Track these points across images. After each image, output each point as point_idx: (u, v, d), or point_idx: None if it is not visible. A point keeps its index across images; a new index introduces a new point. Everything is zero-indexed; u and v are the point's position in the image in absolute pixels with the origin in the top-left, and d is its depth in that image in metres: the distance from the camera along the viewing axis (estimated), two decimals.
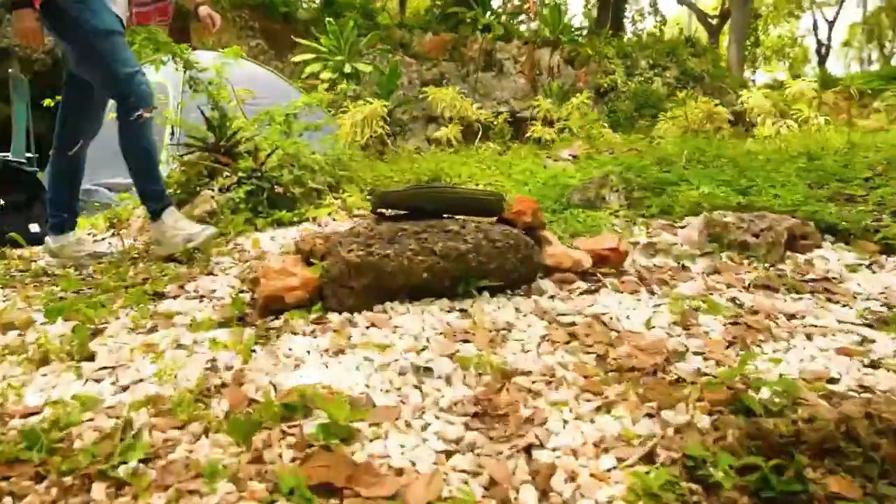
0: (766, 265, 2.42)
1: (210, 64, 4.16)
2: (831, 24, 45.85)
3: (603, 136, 5.59)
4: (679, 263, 2.46)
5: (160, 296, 2.41)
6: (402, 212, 2.43)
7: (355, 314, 2.07)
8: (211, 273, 2.74)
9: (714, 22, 26.42)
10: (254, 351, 1.79)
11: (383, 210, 2.42)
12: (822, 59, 36.35)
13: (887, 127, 7.36)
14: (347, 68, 9.86)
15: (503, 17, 15.59)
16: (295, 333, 1.93)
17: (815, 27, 35.66)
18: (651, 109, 12.31)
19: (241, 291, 2.44)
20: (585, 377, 1.55)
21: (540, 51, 14.74)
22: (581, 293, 2.19)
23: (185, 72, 4.05)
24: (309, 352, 1.77)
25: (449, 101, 6.63)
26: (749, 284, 2.22)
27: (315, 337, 1.90)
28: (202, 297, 2.38)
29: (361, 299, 2.11)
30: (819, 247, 2.57)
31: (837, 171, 3.41)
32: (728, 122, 5.91)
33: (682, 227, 2.80)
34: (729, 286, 2.21)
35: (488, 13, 14.56)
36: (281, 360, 1.72)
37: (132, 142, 2.88)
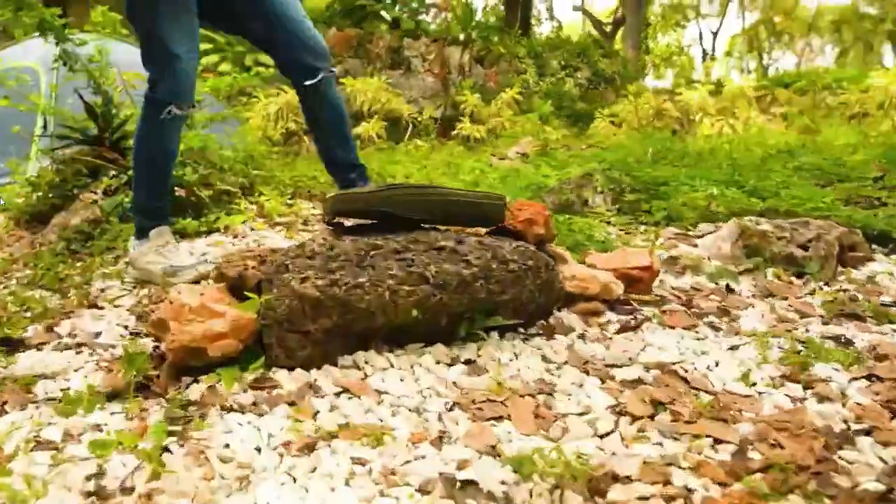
0: (822, 284, 1.95)
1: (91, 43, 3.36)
2: (715, 34, 48.35)
3: (546, 132, 5.12)
4: (717, 284, 1.94)
5: (16, 345, 1.67)
6: (363, 221, 1.79)
7: (314, 372, 1.43)
8: (94, 306, 2.00)
9: (608, 29, 26.94)
10: (167, 451, 1.11)
11: (340, 219, 1.77)
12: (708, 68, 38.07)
13: (785, 129, 7.26)
14: (248, 60, 8.98)
15: (406, 13, 15.02)
16: (228, 409, 1.26)
17: (701, 37, 37.25)
18: (565, 110, 12.07)
19: (139, 334, 1.73)
20: (722, 484, 0.98)
21: (449, 48, 14.28)
22: (619, 330, 1.63)
23: (56, 44, 3.22)
24: (259, 449, 1.11)
25: (373, 94, 5.96)
26: (823, 312, 1.73)
27: (261, 415, 1.24)
28: (80, 345, 1.66)
29: (321, 349, 1.46)
30: (871, 259, 2.13)
31: (835, 171, 3.04)
32: (678, 119, 5.60)
33: (700, 237, 2.30)
34: (803, 315, 1.71)
35: (397, 7, 13.94)
36: (216, 471, 1.05)
37: (147, 138, 2.10)
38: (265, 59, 9.60)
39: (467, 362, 1.45)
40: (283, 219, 3.30)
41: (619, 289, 1.74)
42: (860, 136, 4.68)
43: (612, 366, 1.44)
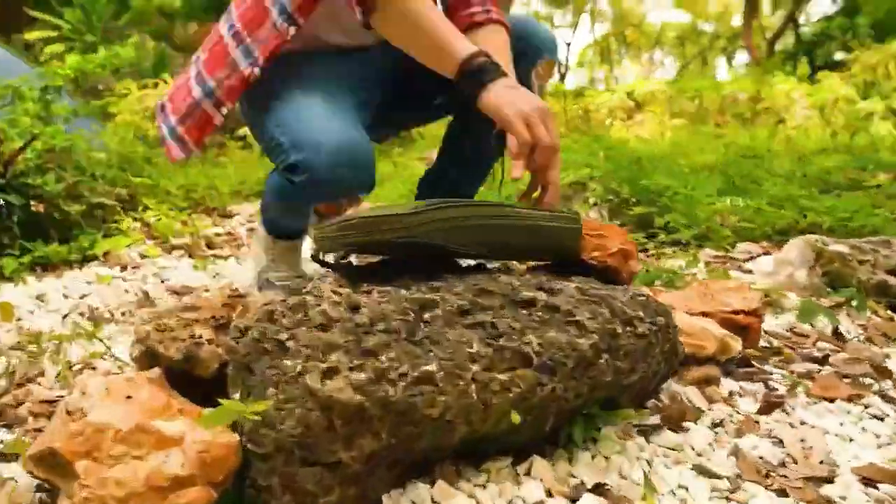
0: None
1: None
2: (569, 45, 50.53)
3: None
4: (812, 325, 1.51)
5: None
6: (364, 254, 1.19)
7: None
8: None
9: None
10: None
11: (333, 254, 1.15)
12: (563, 77, 39.59)
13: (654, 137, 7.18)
14: (101, 53, 7.82)
15: None
16: None
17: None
18: None
19: (3, 457, 1.02)
20: None
21: None
22: (762, 410, 1.14)
23: None
24: None
25: None
26: None
27: None
28: None
29: (358, 488, 0.85)
30: None
31: (822, 177, 2.76)
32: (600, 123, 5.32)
33: (745, 261, 1.88)
34: None
35: None
36: None
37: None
38: (123, 51, 8.46)
39: (597, 489, 0.90)
40: (179, 240, 2.57)
41: (737, 345, 1.24)
42: (783, 141, 4.57)
43: (812, 479, 0.94)
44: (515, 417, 0.87)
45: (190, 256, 2.40)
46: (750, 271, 1.80)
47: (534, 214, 1.14)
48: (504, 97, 1.15)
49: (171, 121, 1.57)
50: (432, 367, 0.85)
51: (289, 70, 1.46)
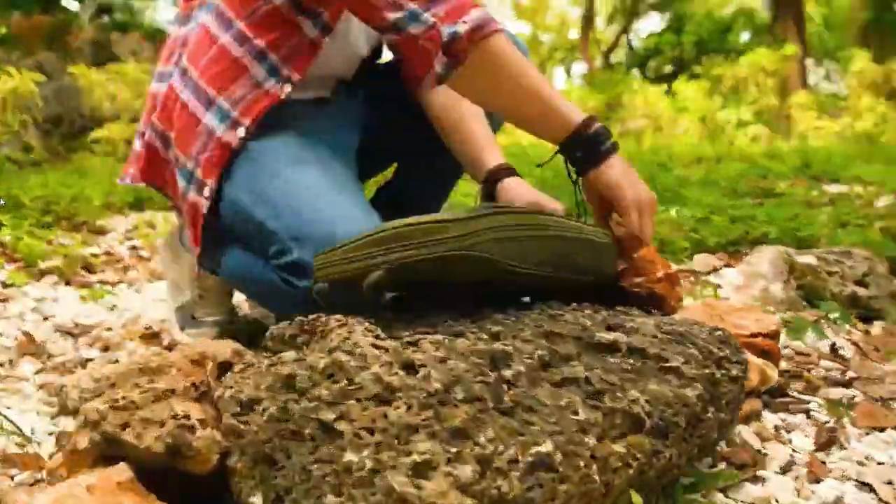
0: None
1: None
2: None
3: None
4: (804, 342, 1.45)
5: None
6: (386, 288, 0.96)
7: None
8: None
9: None
10: None
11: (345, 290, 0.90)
12: None
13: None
14: None
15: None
16: None
17: None
18: None
19: None
20: None
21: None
22: (820, 447, 1.03)
23: None
24: None
25: (130, 89, 4.58)
26: None
27: None
28: None
29: None
30: None
31: (733, 185, 2.81)
32: None
33: (708, 273, 1.81)
34: None
35: None
36: None
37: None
38: None
39: None
40: (49, 263, 2.14)
41: (774, 374, 1.14)
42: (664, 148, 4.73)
43: None
44: (637, 500, 0.69)
45: (67, 283, 2.00)
46: (718, 285, 1.73)
47: (583, 227, 0.97)
48: (625, 177, 1.07)
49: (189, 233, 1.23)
50: (547, 447, 0.64)
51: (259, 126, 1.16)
